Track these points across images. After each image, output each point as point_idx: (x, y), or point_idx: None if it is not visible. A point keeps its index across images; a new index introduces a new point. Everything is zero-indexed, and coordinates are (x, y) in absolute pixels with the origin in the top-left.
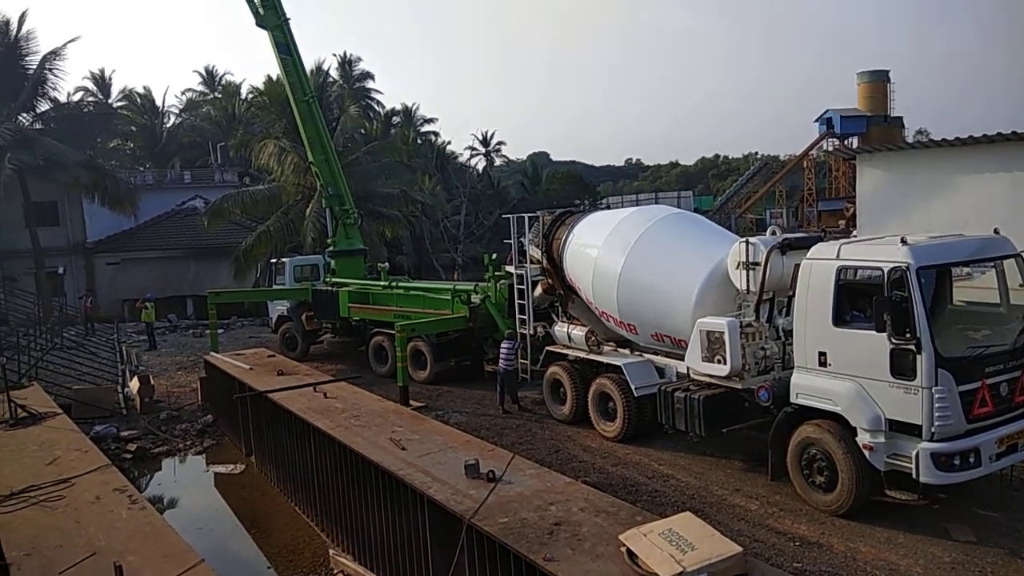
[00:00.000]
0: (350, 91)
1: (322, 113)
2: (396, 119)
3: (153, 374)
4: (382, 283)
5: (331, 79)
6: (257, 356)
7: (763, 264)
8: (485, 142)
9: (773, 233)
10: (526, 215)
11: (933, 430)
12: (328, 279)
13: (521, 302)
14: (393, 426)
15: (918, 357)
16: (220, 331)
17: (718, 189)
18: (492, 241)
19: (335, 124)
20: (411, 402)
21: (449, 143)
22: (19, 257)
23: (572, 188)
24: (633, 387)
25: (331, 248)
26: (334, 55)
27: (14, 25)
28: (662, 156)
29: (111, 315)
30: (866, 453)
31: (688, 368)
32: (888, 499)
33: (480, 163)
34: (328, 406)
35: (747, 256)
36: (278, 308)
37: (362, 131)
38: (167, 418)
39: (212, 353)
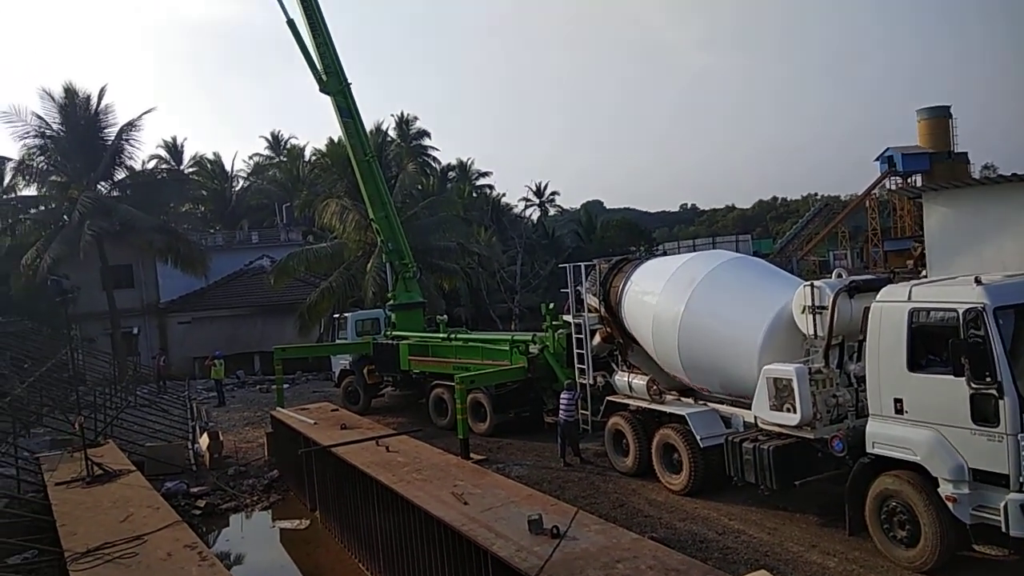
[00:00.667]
0: (407, 149)
1: (382, 171)
2: (452, 174)
3: (222, 430)
4: (441, 335)
5: (389, 138)
6: (321, 410)
7: (830, 308)
8: (539, 193)
9: (839, 275)
10: (582, 264)
11: (1022, 480)
12: (389, 332)
13: (580, 351)
14: (455, 480)
15: (1000, 402)
16: (286, 386)
17: (777, 232)
18: (548, 290)
19: (394, 181)
20: (472, 455)
21: (504, 195)
22: (97, 319)
23: (627, 235)
24: (698, 438)
25: (391, 302)
26: (392, 115)
27: (94, 100)
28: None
29: (183, 373)
30: (949, 505)
31: (756, 417)
32: (976, 554)
33: (534, 213)
34: (390, 460)
35: (813, 300)
36: (341, 362)
37: (419, 187)
38: (235, 474)
39: (278, 408)
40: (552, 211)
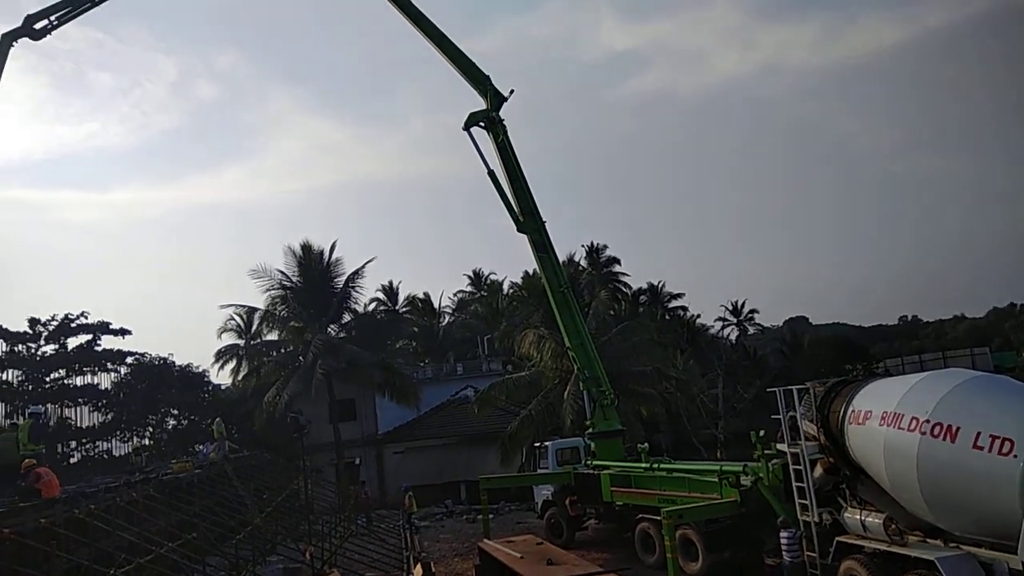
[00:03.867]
0: (599, 276)
1: (576, 300)
2: (643, 298)
3: (434, 560)
4: (643, 465)
5: (581, 267)
6: (526, 543)
7: None
8: (736, 311)
9: None
10: (794, 387)
11: None
12: (589, 462)
13: (799, 484)
14: None
15: None
16: (491, 516)
17: (1021, 343)
18: (755, 415)
19: (587, 309)
20: None
21: (698, 316)
22: (324, 450)
23: (839, 353)
24: None
25: (590, 430)
26: (582, 246)
27: (327, 254)
28: (943, 310)
29: (396, 502)
30: None
31: None
32: None
33: (732, 333)
34: None
35: None
36: (543, 493)
37: (611, 312)
38: None
39: (485, 540)
40: (752, 330)
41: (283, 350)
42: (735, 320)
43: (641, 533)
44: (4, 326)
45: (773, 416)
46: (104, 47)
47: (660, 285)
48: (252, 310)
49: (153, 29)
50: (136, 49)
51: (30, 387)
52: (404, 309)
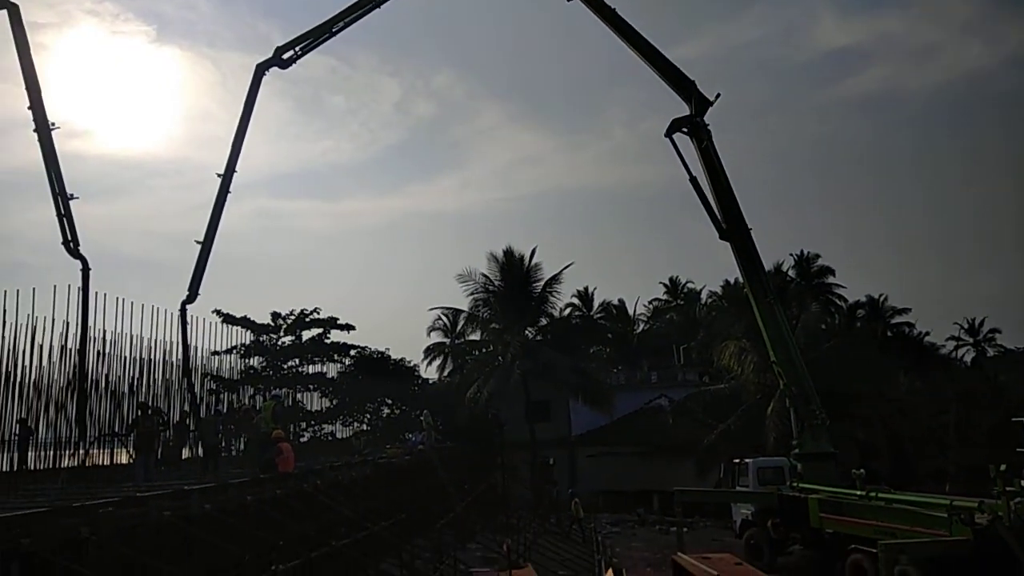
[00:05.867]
0: (809, 287)
1: (783, 312)
2: (860, 312)
3: (625, 568)
4: (858, 492)
5: (789, 278)
6: (724, 562)
7: None
8: (973, 330)
9: None
10: None
11: None
12: (795, 484)
13: None
14: None
15: None
16: (684, 530)
17: None
18: (993, 447)
19: (795, 322)
20: None
21: (926, 334)
22: (519, 448)
23: None
24: None
25: (796, 450)
26: (791, 255)
27: (527, 259)
28: None
29: (587, 505)
30: None
31: None
32: None
33: (968, 355)
34: None
35: None
36: (742, 512)
37: (823, 326)
38: None
39: (679, 554)
40: (992, 352)
41: (484, 350)
42: (971, 340)
43: (853, 565)
44: (251, 318)
45: (1017, 449)
46: (338, 72)
47: (881, 299)
48: (457, 312)
49: (380, 54)
50: (365, 73)
51: (271, 373)
52: (599, 315)
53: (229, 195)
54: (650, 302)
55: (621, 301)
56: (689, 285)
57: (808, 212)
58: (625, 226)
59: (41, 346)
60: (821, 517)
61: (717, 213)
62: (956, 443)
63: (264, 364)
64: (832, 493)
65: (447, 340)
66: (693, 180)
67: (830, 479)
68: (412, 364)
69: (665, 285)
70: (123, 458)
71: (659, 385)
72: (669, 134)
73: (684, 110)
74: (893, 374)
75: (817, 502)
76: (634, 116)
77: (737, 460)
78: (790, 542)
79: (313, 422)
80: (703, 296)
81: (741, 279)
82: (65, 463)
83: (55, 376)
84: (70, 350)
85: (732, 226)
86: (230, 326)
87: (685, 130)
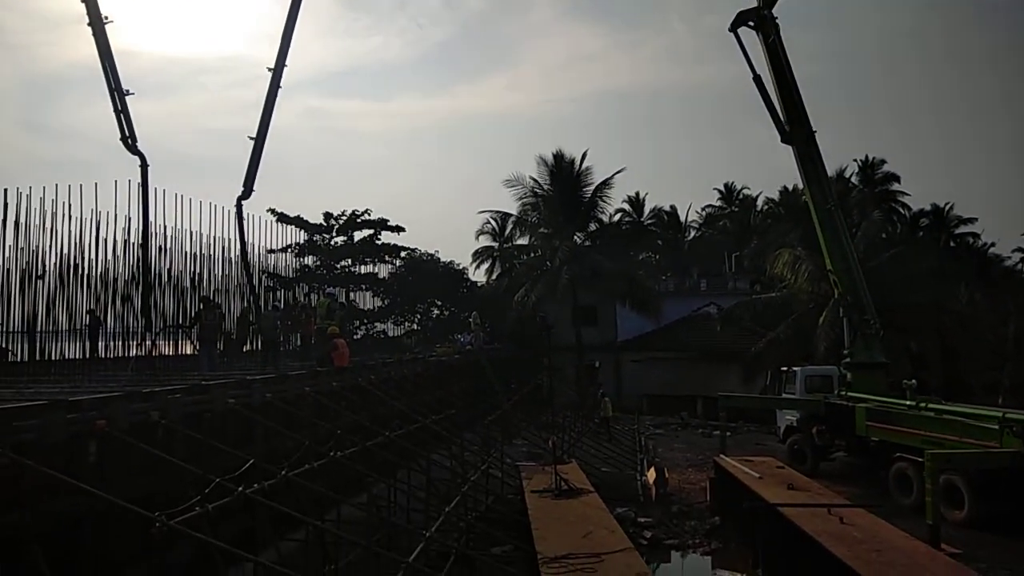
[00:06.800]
0: (872, 195)
1: (844, 220)
2: (924, 221)
3: (667, 467)
4: (908, 402)
5: (851, 184)
6: (766, 465)
7: None
8: None
9: None
10: None
11: None
12: (843, 392)
13: None
14: (926, 572)
15: None
16: (728, 434)
17: None
18: None
19: (855, 230)
20: (943, 546)
21: (991, 245)
22: (565, 351)
23: None
24: None
25: (847, 359)
26: (855, 160)
27: (577, 162)
28: None
29: (633, 408)
30: None
31: None
32: None
33: None
34: (844, 533)
35: None
36: (787, 418)
37: (884, 236)
38: (678, 512)
39: (722, 456)
40: None
41: (532, 254)
42: None
43: (897, 472)
44: (304, 218)
45: None
46: None
47: (947, 207)
48: (506, 215)
49: None
50: None
51: (324, 272)
52: (649, 221)
53: (280, 90)
54: (703, 208)
55: (673, 207)
56: (745, 191)
57: (875, 116)
58: (681, 129)
59: (105, 240)
60: (868, 425)
61: (780, 114)
62: (1014, 356)
63: (318, 263)
64: (881, 402)
65: (495, 244)
66: (757, 79)
67: (880, 389)
68: (461, 267)
69: (720, 191)
70: (187, 349)
71: (708, 293)
72: (734, 28)
73: (750, 2)
74: (953, 285)
75: (865, 410)
76: (698, 8)
77: (785, 368)
78: (834, 449)
79: (365, 321)
80: (759, 203)
81: (801, 185)
82: (133, 352)
83: (120, 269)
84: (133, 244)
85: (795, 128)
86: (284, 225)
87: (751, 24)
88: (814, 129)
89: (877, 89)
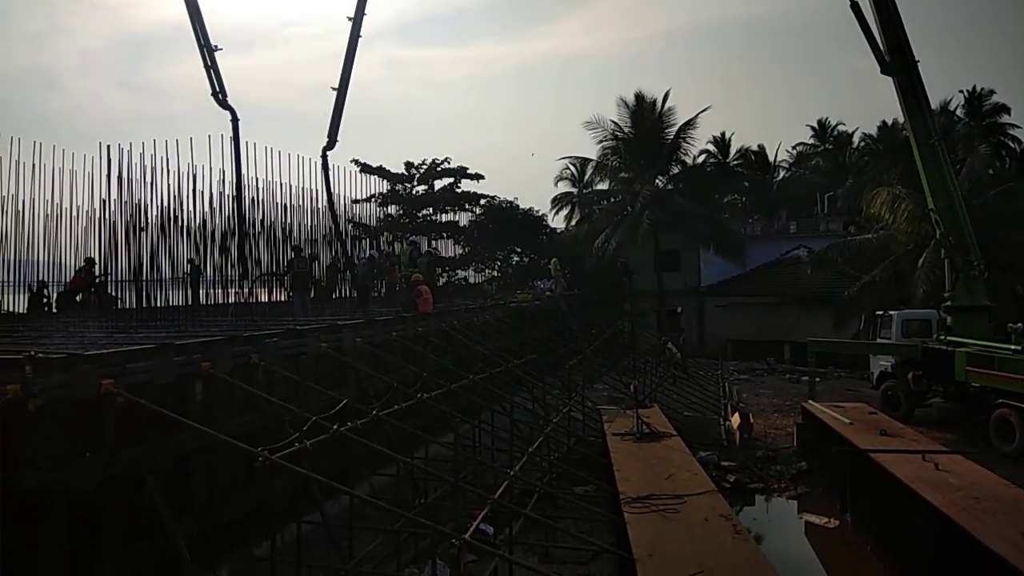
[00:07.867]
0: (979, 128)
1: (948, 155)
2: None
3: (752, 412)
4: (1012, 347)
5: (957, 118)
6: (857, 411)
7: None
8: None
9: None
10: None
11: None
12: (942, 336)
13: None
14: None
15: None
16: (816, 379)
17: None
18: None
19: (960, 166)
20: None
21: None
22: (646, 296)
23: None
24: None
25: (947, 303)
26: (961, 91)
27: (659, 103)
28: None
29: (716, 352)
30: None
31: None
32: None
33: None
34: (939, 480)
35: None
36: (881, 363)
37: (991, 171)
38: (763, 457)
39: (810, 401)
40: None
41: (613, 199)
42: None
43: (998, 419)
44: (386, 167)
45: None
46: None
47: None
48: (585, 160)
49: None
50: None
51: (406, 220)
52: (735, 162)
53: (359, 40)
54: (794, 147)
55: (761, 147)
56: (840, 127)
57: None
58: (770, 64)
59: (202, 193)
60: (968, 370)
61: (880, 43)
62: None
63: (400, 212)
64: (983, 347)
65: (575, 190)
66: (854, 5)
67: (982, 333)
68: (540, 213)
69: (813, 128)
70: (281, 296)
71: (798, 235)
72: None
73: None
74: None
75: (965, 355)
76: None
77: (880, 312)
78: (930, 395)
79: (447, 268)
80: (855, 140)
81: (902, 119)
82: (231, 299)
83: (216, 221)
84: (227, 196)
85: (896, 58)
86: (367, 175)
87: None
88: (917, 59)
89: (983, 14)
